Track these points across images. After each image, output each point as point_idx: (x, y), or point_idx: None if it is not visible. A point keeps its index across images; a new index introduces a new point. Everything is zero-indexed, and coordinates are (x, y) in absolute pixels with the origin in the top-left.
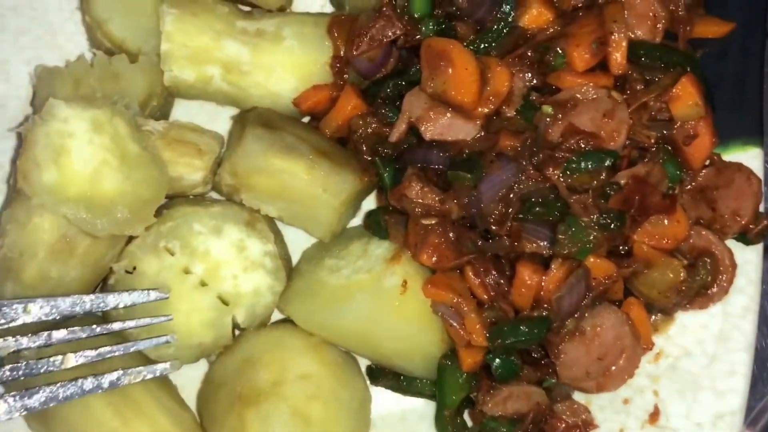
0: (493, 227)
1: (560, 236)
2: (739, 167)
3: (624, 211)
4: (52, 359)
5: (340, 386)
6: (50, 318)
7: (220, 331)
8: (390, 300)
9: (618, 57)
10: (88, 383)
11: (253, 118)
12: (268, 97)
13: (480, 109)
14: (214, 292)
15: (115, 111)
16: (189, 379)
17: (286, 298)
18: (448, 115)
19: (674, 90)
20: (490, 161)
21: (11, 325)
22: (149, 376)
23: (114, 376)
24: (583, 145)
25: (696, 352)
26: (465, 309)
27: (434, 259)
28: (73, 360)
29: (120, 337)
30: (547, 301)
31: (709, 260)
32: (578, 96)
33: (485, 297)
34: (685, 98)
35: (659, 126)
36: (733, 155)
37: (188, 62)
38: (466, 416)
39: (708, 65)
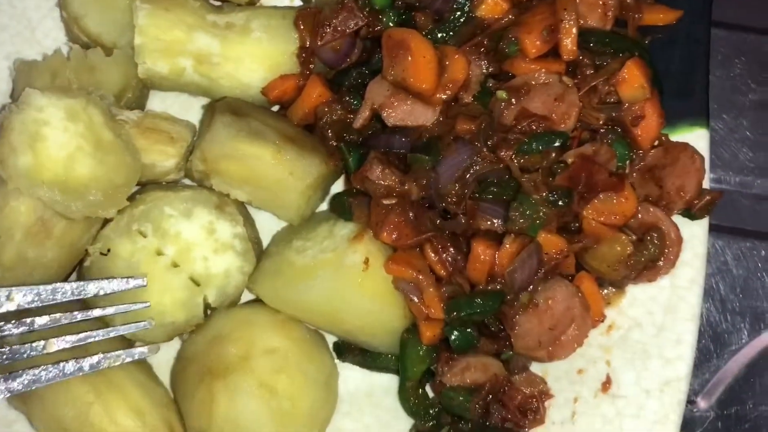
0: (451, 206)
1: (512, 213)
2: (684, 146)
3: (571, 188)
4: (35, 344)
5: (306, 360)
6: (33, 305)
7: (192, 310)
8: (352, 277)
9: (568, 43)
10: (70, 366)
11: (222, 106)
12: (238, 88)
13: (438, 96)
14: (186, 273)
15: (90, 100)
16: (163, 358)
17: (254, 278)
18: (409, 101)
19: (621, 73)
20: (447, 144)
21: None
22: (128, 359)
23: (94, 359)
24: (534, 128)
25: (645, 323)
26: (424, 284)
27: (394, 236)
28: (55, 345)
29: (100, 321)
30: (501, 276)
31: (656, 235)
32: (531, 81)
33: (443, 273)
34: (631, 81)
35: (608, 108)
36: (680, 136)
37: (161, 55)
38: (428, 388)
39: (657, 51)
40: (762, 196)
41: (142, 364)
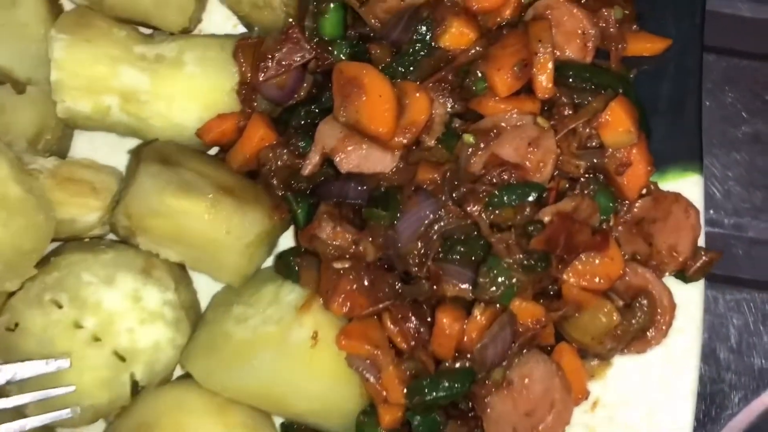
0: (412, 269)
1: (481, 279)
2: (677, 198)
3: (549, 251)
4: None
5: None
6: None
7: (116, 390)
8: (299, 355)
9: (543, 80)
10: None
11: (149, 153)
12: (171, 129)
13: (398, 139)
14: (109, 347)
15: None
16: None
17: (187, 353)
18: (364, 146)
19: (604, 115)
20: (408, 197)
21: None
22: None
23: None
24: (506, 177)
25: (635, 401)
26: (382, 362)
27: (347, 307)
28: None
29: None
30: (470, 351)
31: (646, 301)
32: (502, 123)
33: (404, 346)
34: (616, 124)
35: (589, 154)
36: (671, 183)
37: (82, 92)
38: None
39: (643, 85)
40: (758, 240)
41: None
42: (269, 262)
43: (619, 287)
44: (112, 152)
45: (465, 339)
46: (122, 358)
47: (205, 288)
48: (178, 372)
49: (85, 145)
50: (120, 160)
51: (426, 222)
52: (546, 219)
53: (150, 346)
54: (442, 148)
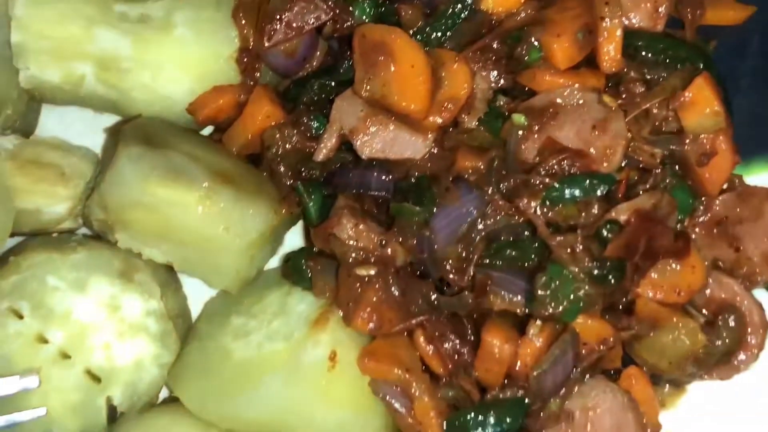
0: (451, 277)
1: (539, 291)
2: None
3: (624, 259)
4: None
5: None
6: None
7: (89, 417)
8: (313, 381)
9: (611, 50)
10: None
11: (130, 132)
12: (157, 102)
13: (432, 119)
14: (81, 366)
15: None
16: None
17: (176, 374)
18: (391, 126)
19: (686, 94)
20: (445, 189)
21: None
22: None
23: None
24: (567, 168)
25: None
26: (415, 388)
27: (372, 324)
28: None
29: None
30: (523, 377)
31: (732, 317)
32: (559, 101)
33: (441, 370)
34: (701, 104)
35: (665, 141)
36: (756, 177)
37: (50, 58)
38: None
39: (722, 60)
40: None
41: None
42: (273, 262)
43: (698, 301)
44: (86, 131)
45: (518, 363)
46: (97, 379)
47: (197, 293)
48: (164, 393)
49: (54, 123)
50: (95, 141)
51: (468, 220)
52: (622, 218)
53: (130, 364)
54: (485, 131)
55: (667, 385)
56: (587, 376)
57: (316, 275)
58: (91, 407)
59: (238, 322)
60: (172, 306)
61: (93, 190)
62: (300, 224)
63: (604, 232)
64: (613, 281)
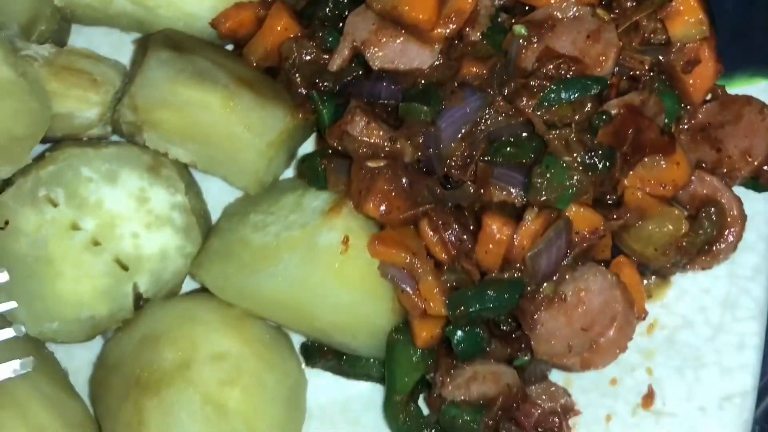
0: (455, 172)
1: (536, 180)
2: (749, 100)
3: (614, 147)
4: None
5: (265, 368)
6: None
7: (117, 302)
8: (327, 261)
9: None
10: None
11: (159, 40)
12: (182, 19)
13: (438, 31)
14: (110, 253)
15: None
16: (82, 363)
17: (199, 262)
18: (401, 38)
19: (672, 3)
20: (451, 92)
21: None
22: None
23: None
24: (563, 72)
25: (697, 322)
26: (420, 270)
27: (383, 208)
28: None
29: None
30: (519, 260)
31: (713, 210)
32: (557, 14)
33: (445, 256)
34: (686, 13)
35: (654, 51)
36: (738, 89)
37: None
38: (421, 402)
39: None
40: None
41: (53, 372)
42: (287, 174)
43: (683, 198)
44: (113, 51)
45: (515, 246)
46: (124, 267)
47: (216, 200)
48: (187, 287)
49: (82, 43)
50: (122, 61)
51: (471, 119)
52: (613, 112)
53: (156, 253)
54: (487, 43)
55: (653, 276)
56: (579, 263)
57: (330, 172)
58: (118, 293)
59: (257, 219)
60: (194, 205)
61: (123, 95)
62: (312, 141)
63: (596, 122)
64: (602, 168)
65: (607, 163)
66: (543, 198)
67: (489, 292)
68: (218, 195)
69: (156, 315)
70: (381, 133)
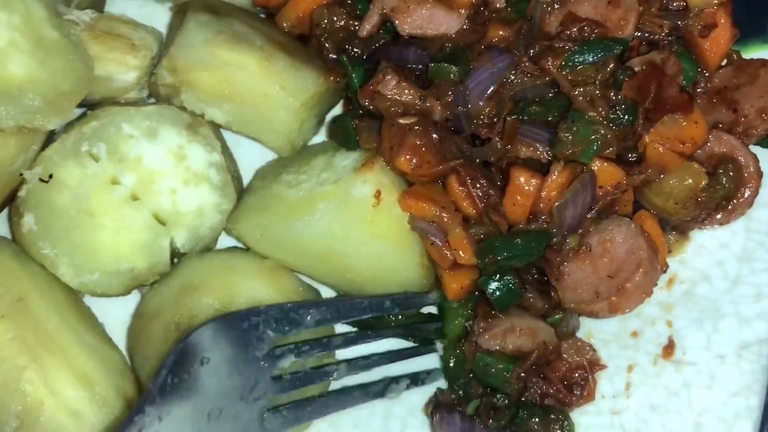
0: (482, 130)
1: (562, 134)
2: (764, 62)
3: (637, 102)
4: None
5: None
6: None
7: (155, 255)
8: (360, 212)
9: None
10: (357, 393)
11: (197, 3)
12: None
13: None
14: (148, 208)
15: None
16: (119, 316)
17: (235, 217)
18: (428, 5)
19: None
20: (478, 53)
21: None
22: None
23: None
24: (586, 34)
25: (715, 276)
26: (449, 223)
27: (414, 162)
28: (345, 371)
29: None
30: (546, 213)
31: (731, 167)
32: None
33: (473, 211)
34: None
35: (672, 16)
36: (753, 54)
37: None
38: None
39: None
40: None
41: (92, 322)
42: (316, 139)
43: (700, 156)
44: (147, 21)
45: (541, 198)
46: (162, 222)
47: (245, 166)
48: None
49: (118, 12)
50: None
51: (498, 79)
52: (636, 68)
53: (193, 209)
54: (511, 10)
55: (673, 232)
56: (602, 217)
57: (361, 130)
58: (156, 247)
59: (289, 177)
60: (229, 164)
61: (160, 59)
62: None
63: (621, 76)
64: (626, 121)
65: (630, 117)
66: (569, 152)
67: (517, 240)
68: (249, 159)
69: (194, 266)
70: (411, 91)
